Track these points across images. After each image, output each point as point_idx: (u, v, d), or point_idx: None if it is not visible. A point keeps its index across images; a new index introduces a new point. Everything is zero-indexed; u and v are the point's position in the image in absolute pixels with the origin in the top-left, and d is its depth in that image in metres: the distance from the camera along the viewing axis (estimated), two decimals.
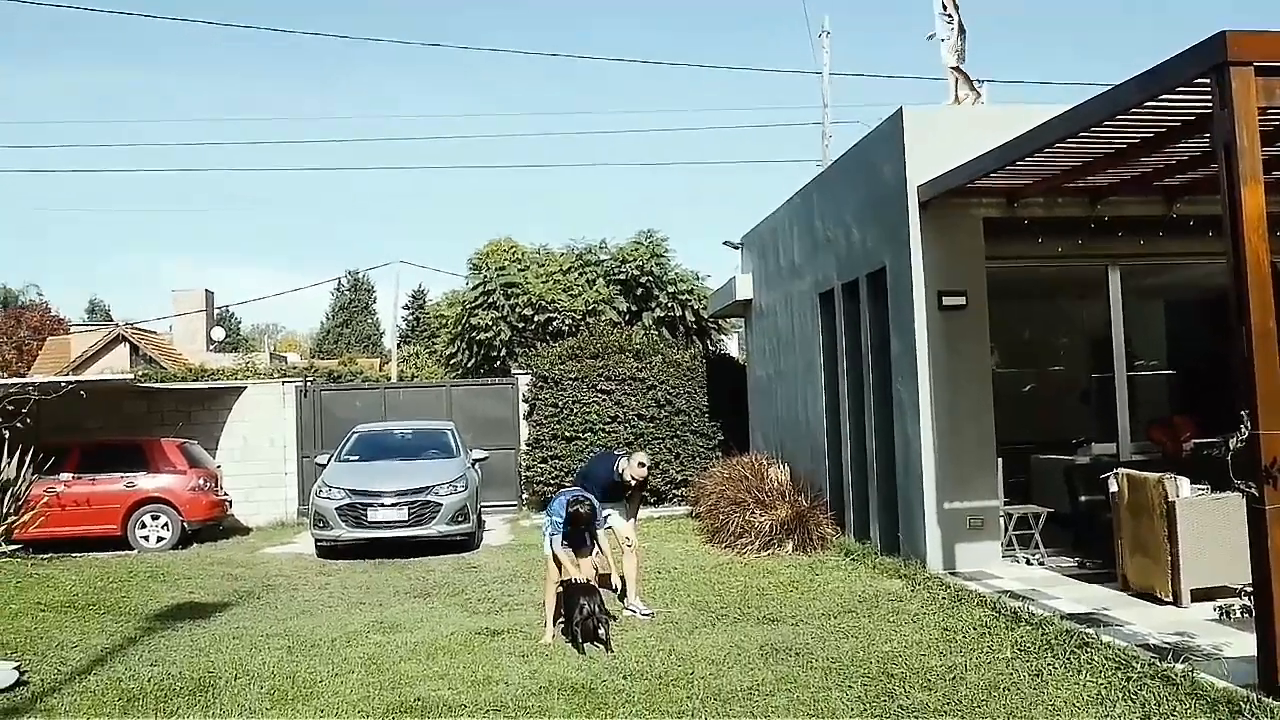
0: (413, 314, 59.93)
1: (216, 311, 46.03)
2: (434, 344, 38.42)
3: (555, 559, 9.14)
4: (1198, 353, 13.05)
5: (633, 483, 10.06)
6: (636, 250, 26.45)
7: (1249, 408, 6.01)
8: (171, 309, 42.53)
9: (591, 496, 9.35)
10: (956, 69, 11.93)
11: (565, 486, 11.86)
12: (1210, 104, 6.34)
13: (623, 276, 26.18)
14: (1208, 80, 6.26)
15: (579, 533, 9.26)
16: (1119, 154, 9.07)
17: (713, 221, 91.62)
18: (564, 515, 9.13)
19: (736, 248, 19.04)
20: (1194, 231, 10.88)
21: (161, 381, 21.36)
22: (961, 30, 11.96)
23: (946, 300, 10.91)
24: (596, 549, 9.57)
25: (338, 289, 70.55)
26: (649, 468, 10.38)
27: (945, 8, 11.90)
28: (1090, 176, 9.99)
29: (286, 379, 21.63)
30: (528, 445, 20.54)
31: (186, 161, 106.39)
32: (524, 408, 20.96)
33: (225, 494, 18.70)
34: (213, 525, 18.00)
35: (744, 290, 18.24)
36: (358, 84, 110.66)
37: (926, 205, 10.88)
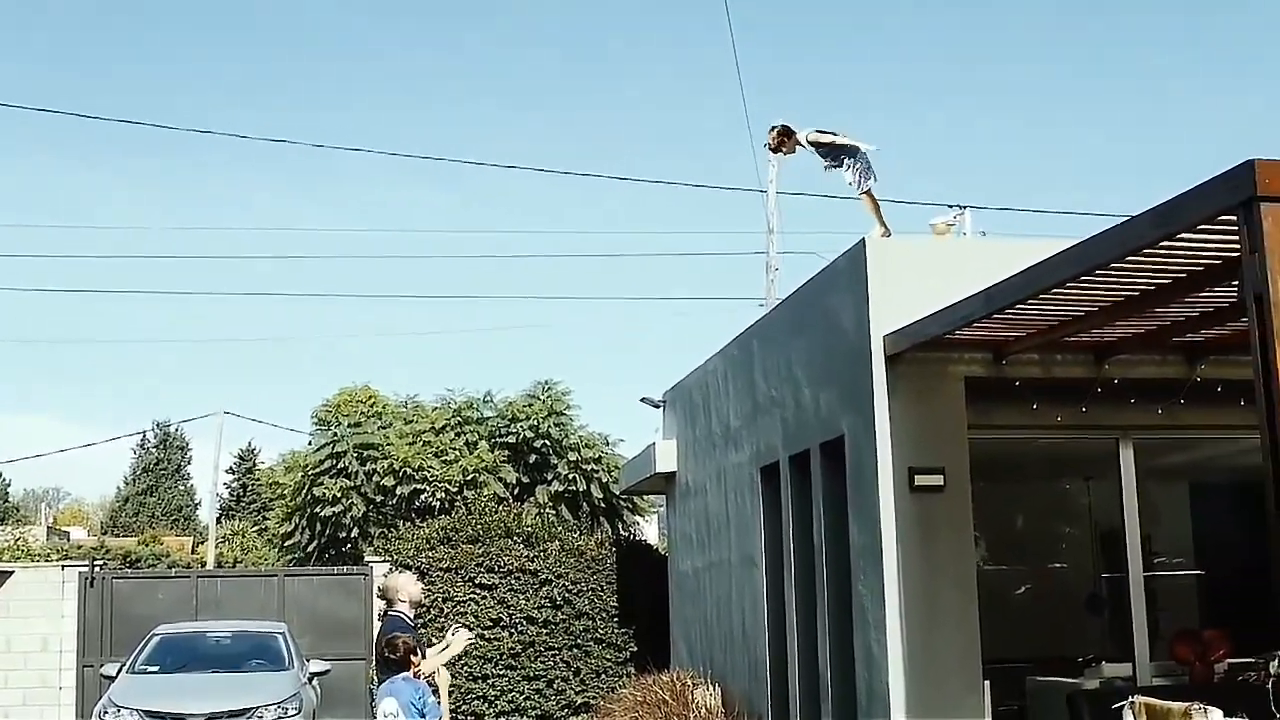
0: (239, 480, 59.23)
1: None
2: (265, 520, 37.85)
3: None
4: (1233, 548, 13.26)
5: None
6: (530, 406, 26.47)
7: None
8: None
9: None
10: (864, 195, 11.87)
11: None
12: (1238, 246, 6.50)
13: (512, 439, 26.16)
14: (1235, 217, 6.43)
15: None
16: (1131, 302, 9.24)
17: (629, 372, 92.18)
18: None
19: (657, 406, 19.13)
20: (1223, 399, 11.12)
21: None
22: (838, 155, 11.80)
23: (920, 479, 11.01)
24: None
25: (141, 446, 69.53)
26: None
27: (815, 148, 11.89)
28: (1097, 329, 10.22)
29: (68, 562, 21.17)
30: None
31: None
32: (379, 605, 20.61)
33: None
34: None
35: (666, 461, 18.27)
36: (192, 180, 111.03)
37: (895, 360, 11.05)
